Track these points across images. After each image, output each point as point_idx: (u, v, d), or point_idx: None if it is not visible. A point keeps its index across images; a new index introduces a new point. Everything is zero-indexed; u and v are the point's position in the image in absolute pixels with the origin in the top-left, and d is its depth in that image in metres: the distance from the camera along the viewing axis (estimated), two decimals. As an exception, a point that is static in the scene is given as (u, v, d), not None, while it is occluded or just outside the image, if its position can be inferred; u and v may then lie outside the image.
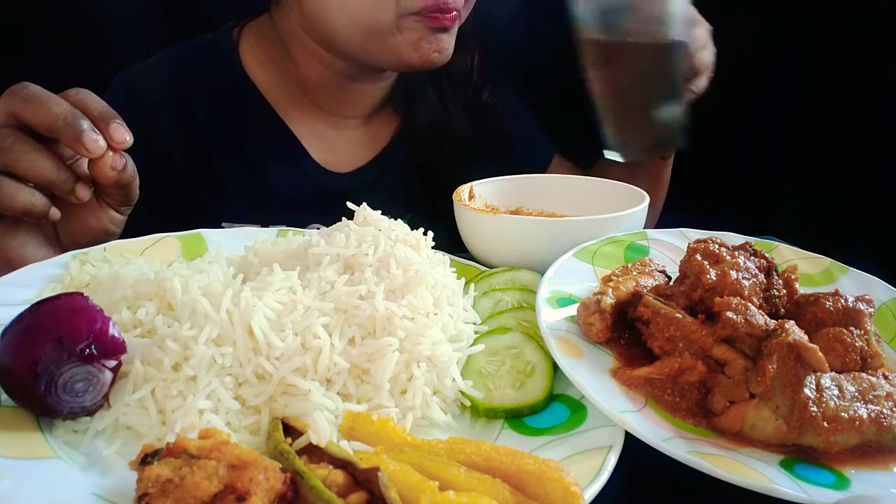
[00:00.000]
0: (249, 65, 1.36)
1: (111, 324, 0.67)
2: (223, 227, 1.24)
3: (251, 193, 1.32)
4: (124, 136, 0.86)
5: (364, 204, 0.91)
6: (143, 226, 1.02)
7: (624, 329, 0.81)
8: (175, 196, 1.31)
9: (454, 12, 1.18)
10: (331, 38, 1.25)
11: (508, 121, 1.49)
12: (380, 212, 0.90)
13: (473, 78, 1.46)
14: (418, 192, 1.36)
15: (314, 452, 0.63)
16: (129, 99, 1.29)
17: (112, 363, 0.67)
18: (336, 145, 1.39)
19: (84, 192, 0.88)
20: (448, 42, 1.20)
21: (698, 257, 0.81)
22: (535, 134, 1.55)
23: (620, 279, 0.84)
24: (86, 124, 0.84)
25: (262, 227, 1.25)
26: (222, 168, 1.33)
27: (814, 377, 0.70)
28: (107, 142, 0.85)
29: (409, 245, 0.85)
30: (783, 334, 0.70)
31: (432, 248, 0.89)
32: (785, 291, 0.84)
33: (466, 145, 1.42)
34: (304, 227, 1.11)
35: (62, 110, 0.84)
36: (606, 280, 0.86)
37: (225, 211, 1.28)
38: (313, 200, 1.31)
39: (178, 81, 1.34)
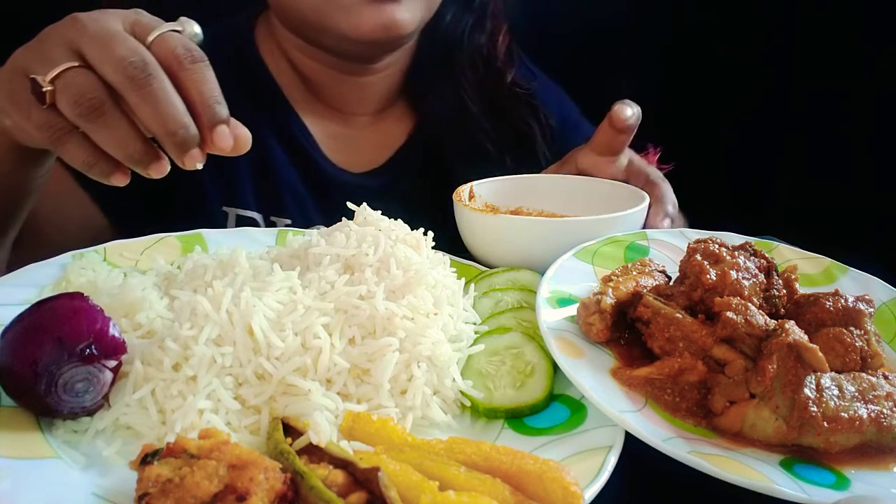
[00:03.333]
0: (265, 56, 1.31)
1: (111, 324, 0.67)
2: (224, 210, 1.22)
3: (258, 183, 1.26)
4: (228, 144, 0.73)
5: (364, 204, 0.91)
6: (142, 221, 1.00)
7: (624, 329, 0.81)
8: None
9: None
10: (287, 22, 1.20)
11: (546, 108, 1.38)
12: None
13: (496, 62, 1.35)
14: (434, 196, 1.20)
15: (314, 452, 0.63)
16: None
17: (112, 363, 0.67)
18: (349, 144, 1.34)
19: (162, 169, 0.73)
20: (398, 12, 1.12)
21: (698, 257, 0.81)
22: (576, 119, 1.45)
23: (620, 279, 0.84)
24: (196, 139, 0.71)
25: (266, 218, 1.23)
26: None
27: (814, 377, 0.70)
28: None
29: (409, 245, 0.85)
30: (783, 334, 0.70)
31: (432, 248, 0.89)
32: (785, 291, 0.84)
33: (489, 142, 1.32)
34: (307, 226, 1.08)
35: (178, 116, 0.70)
36: (606, 280, 0.85)
37: (229, 198, 1.23)
38: (323, 198, 1.28)
39: None
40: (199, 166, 0.72)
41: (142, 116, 0.70)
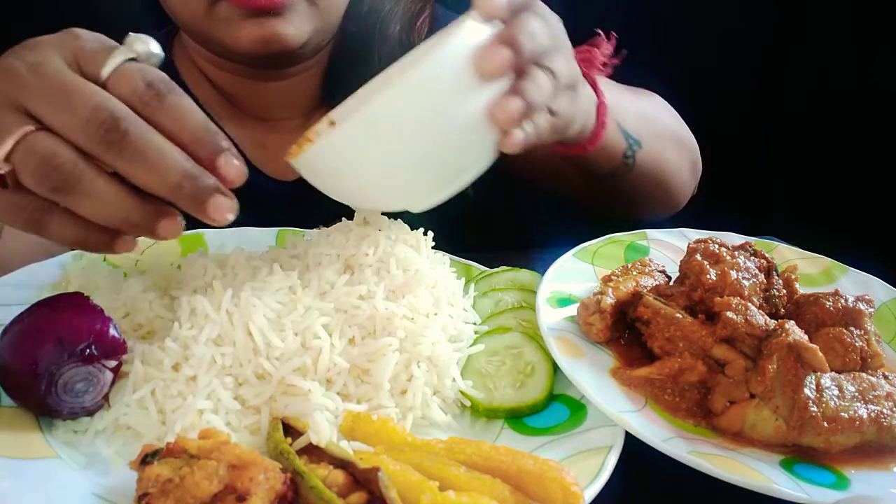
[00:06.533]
0: (182, 72, 1.27)
1: (111, 324, 0.67)
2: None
3: None
4: (241, 171, 0.62)
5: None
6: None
7: (624, 329, 0.81)
8: None
9: None
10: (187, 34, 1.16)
11: None
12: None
13: (414, 44, 1.24)
14: None
15: (314, 452, 0.63)
16: None
17: (112, 363, 0.67)
18: (279, 151, 1.21)
19: (175, 228, 0.63)
20: (281, 26, 1.04)
21: (698, 257, 0.81)
22: None
23: (620, 279, 0.84)
24: (212, 183, 0.60)
25: None
26: None
27: (814, 377, 0.70)
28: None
29: (409, 245, 0.85)
30: (783, 334, 0.70)
31: (432, 247, 0.89)
32: (785, 291, 0.84)
33: None
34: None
35: (177, 163, 0.59)
36: (606, 280, 0.86)
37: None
38: (260, 211, 1.21)
39: None
40: (231, 217, 0.61)
41: (135, 180, 0.59)
